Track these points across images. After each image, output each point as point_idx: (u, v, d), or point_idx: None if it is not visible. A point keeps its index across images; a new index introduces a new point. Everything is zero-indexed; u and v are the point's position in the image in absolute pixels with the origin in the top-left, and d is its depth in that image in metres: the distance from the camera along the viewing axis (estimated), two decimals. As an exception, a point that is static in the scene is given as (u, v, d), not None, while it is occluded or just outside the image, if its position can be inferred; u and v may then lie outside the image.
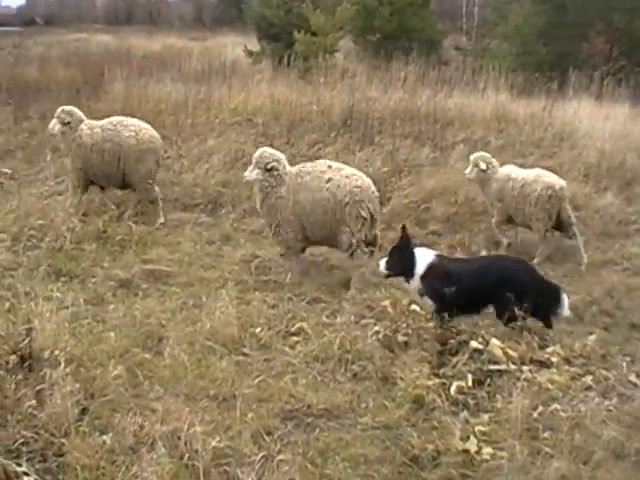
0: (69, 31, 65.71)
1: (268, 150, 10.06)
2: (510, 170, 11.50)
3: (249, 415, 6.02)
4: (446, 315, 7.73)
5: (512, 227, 11.72)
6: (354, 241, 9.49)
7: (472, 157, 11.59)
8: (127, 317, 7.80)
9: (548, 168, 11.90)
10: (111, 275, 9.20)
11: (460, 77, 23.67)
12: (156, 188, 11.93)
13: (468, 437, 5.93)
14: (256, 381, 6.66)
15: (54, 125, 11.93)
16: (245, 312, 8.02)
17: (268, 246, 10.57)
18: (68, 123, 11.83)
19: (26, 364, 6.41)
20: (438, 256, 8.20)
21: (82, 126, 11.88)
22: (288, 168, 9.89)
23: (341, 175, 9.59)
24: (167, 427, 5.68)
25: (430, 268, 7.97)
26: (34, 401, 5.92)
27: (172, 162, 14.24)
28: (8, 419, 5.78)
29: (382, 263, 8.24)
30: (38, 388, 6.07)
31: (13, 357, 6.41)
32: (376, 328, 7.74)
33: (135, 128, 11.86)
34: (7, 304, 7.45)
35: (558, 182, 10.99)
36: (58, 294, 7.97)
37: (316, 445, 5.78)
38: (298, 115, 17.73)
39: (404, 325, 7.85)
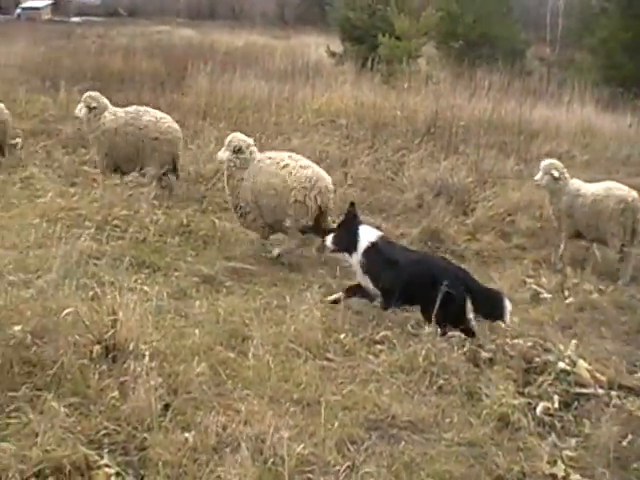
0: (152, 23, 66.28)
1: (239, 135, 10.65)
2: (579, 185, 11.21)
3: (333, 422, 5.91)
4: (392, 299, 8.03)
5: (587, 243, 11.44)
6: (296, 228, 10.04)
7: (544, 164, 11.28)
8: (210, 314, 7.72)
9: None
10: (194, 270, 9.15)
11: (544, 88, 23.37)
12: (171, 177, 12.33)
13: (555, 461, 5.77)
14: (340, 388, 6.56)
15: (80, 109, 12.25)
16: (329, 316, 7.94)
17: (352, 251, 10.47)
18: (94, 108, 12.13)
19: (110, 355, 6.38)
20: (382, 237, 8.48)
21: (105, 113, 12.18)
22: (256, 155, 10.47)
23: (297, 164, 10.19)
24: (251, 429, 5.60)
25: (372, 246, 8.24)
26: (117, 393, 5.89)
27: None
28: (91, 409, 5.76)
29: (329, 238, 8.57)
30: (121, 380, 6.04)
31: (97, 347, 6.38)
32: (460, 342, 7.60)
33: (155, 116, 12.27)
34: (91, 292, 7.43)
35: (630, 194, 10.77)
36: (142, 286, 7.90)
37: (401, 458, 5.64)
38: (382, 119, 17.67)
39: (488, 340, 7.74)
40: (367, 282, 8.30)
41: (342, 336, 7.53)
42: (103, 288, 7.29)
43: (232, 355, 6.92)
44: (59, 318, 6.59)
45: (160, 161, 12.02)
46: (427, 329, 7.67)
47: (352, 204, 8.68)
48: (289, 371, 6.73)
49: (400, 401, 6.47)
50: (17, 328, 6.29)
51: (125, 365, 6.20)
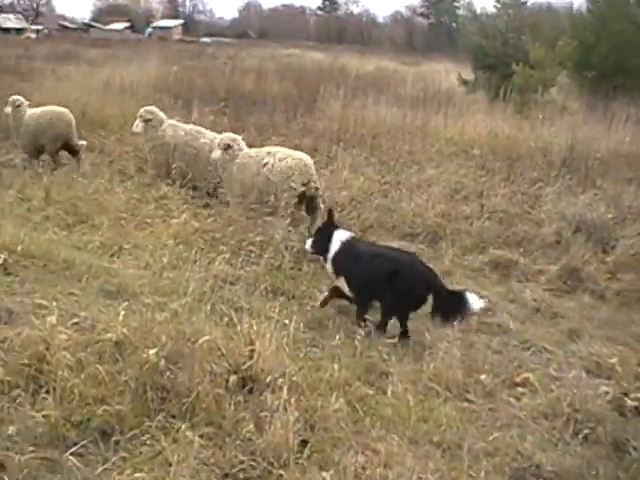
0: (282, 46, 67.25)
1: (228, 134, 12.40)
2: None
3: (477, 469, 5.69)
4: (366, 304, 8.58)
5: None
6: (289, 210, 11.13)
7: None
8: (347, 346, 7.56)
9: None
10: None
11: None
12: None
13: None
14: (482, 432, 6.34)
15: (137, 124, 13.83)
16: (469, 355, 7.73)
17: (490, 286, 10.23)
18: (149, 120, 13.71)
19: (247, 386, 6.32)
20: (352, 238, 8.98)
21: (165, 127, 13.75)
22: (244, 150, 12.00)
23: (275, 159, 11.47)
24: (391, 472, 5.44)
25: (342, 246, 8.75)
26: (252, 426, 5.79)
27: (389, 188, 14.01)
28: (226, 441, 5.71)
29: (308, 242, 9.26)
30: (258, 413, 5.95)
31: (234, 377, 6.31)
32: (605, 388, 7.26)
33: (210, 139, 13.38)
34: (226, 319, 7.39)
35: None
36: (277, 315, 7.81)
37: (547, 511, 5.42)
38: (516, 150, 17.30)
39: (634, 387, 7.35)
40: (342, 283, 8.70)
41: (482, 377, 7.30)
42: (238, 314, 7.25)
43: (370, 391, 6.76)
44: (194, 344, 6.57)
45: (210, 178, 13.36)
46: (569, 373, 7.41)
47: (330, 211, 9.32)
48: (428, 411, 6.56)
49: (544, 449, 6.23)
50: (151, 352, 6.25)
51: (262, 397, 6.13)
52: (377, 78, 32.02)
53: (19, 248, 9.19)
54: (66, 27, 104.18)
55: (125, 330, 6.68)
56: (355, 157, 15.70)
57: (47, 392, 5.94)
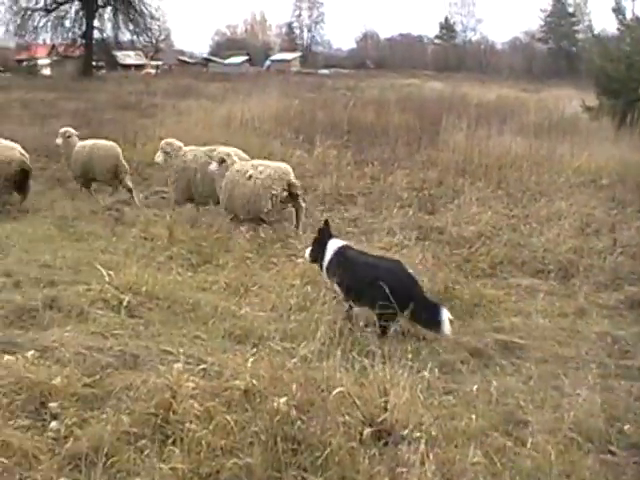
0: (400, 76, 67.27)
1: (221, 148, 13.89)
2: None
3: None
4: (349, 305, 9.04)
5: None
6: (272, 215, 12.89)
7: None
8: (482, 392, 7.23)
9: None
10: (462, 342, 8.68)
11: None
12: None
13: None
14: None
15: (159, 155, 14.64)
16: (609, 402, 7.31)
17: (626, 325, 9.76)
18: (168, 152, 14.47)
19: (381, 439, 6.06)
20: (346, 246, 9.47)
21: (185, 152, 14.53)
22: (236, 163, 13.25)
23: (257, 172, 12.90)
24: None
25: (335, 254, 9.24)
26: (388, 481, 5.54)
27: (518, 222, 13.66)
28: (362, 496, 5.46)
29: (307, 251, 9.75)
30: (394, 467, 5.67)
31: (368, 430, 6.08)
32: None
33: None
34: (357, 366, 7.17)
35: None
36: (410, 361, 7.54)
37: None
38: (646, 181, 16.74)
39: None
40: (337, 288, 9.16)
41: (626, 427, 6.89)
42: (369, 359, 7.05)
43: (508, 442, 6.44)
44: (325, 392, 6.38)
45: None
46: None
47: (326, 222, 9.85)
48: (570, 464, 6.19)
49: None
50: (281, 401, 6.10)
51: (397, 451, 5.86)
52: (499, 106, 31.54)
53: (143, 289, 9.24)
54: (185, 62, 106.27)
55: (254, 378, 6.54)
56: (481, 190, 15.41)
57: (174, 443, 5.82)
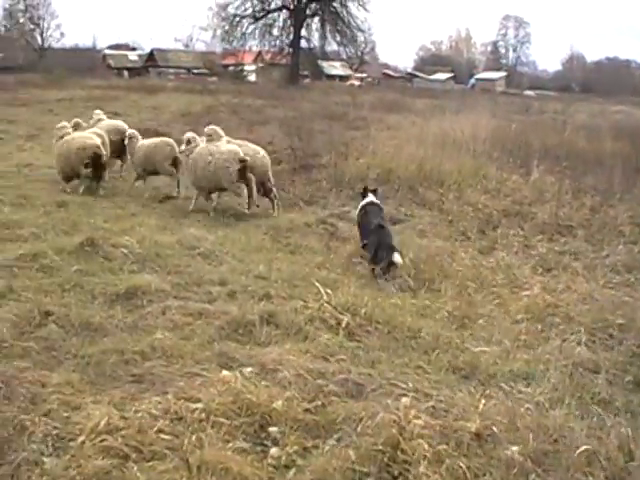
0: (606, 101, 65.17)
1: (190, 134, 16.06)
2: None
3: None
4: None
5: None
6: (233, 186, 15.11)
7: None
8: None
9: None
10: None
11: None
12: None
13: None
14: None
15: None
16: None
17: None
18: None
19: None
20: (371, 202, 12.58)
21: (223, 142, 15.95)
22: (198, 145, 15.58)
23: (217, 152, 15.11)
24: None
25: (362, 206, 12.70)
26: None
27: None
28: None
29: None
30: None
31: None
32: None
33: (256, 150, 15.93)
34: (594, 419, 6.61)
35: None
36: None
37: None
38: None
39: None
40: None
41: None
42: (607, 412, 6.62)
43: None
44: (561, 444, 5.93)
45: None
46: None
47: (365, 188, 13.09)
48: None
49: None
50: (514, 449, 5.74)
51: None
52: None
53: (362, 311, 8.97)
54: (390, 76, 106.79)
55: (486, 420, 6.17)
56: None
57: (401, 484, 5.48)
